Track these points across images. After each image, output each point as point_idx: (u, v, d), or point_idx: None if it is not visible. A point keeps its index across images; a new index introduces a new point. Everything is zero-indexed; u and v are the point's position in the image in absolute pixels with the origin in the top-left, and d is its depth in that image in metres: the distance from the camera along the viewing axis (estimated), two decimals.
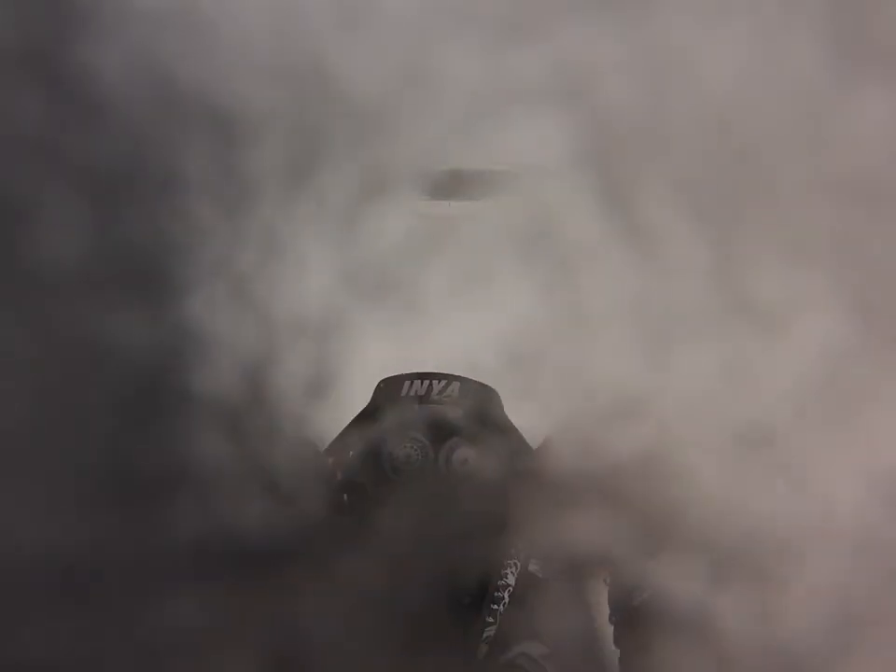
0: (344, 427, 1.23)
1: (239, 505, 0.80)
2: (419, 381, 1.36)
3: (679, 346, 0.74)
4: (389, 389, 1.35)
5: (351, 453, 1.28)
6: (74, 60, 0.76)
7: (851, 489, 0.66)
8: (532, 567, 1.13)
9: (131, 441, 0.73)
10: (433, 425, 1.30)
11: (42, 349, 0.70)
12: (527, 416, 1.21)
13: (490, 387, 1.36)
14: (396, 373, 1.42)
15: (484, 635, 1.03)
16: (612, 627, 0.87)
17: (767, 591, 0.67)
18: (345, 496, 1.18)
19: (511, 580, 1.09)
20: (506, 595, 1.07)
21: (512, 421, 1.25)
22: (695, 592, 0.69)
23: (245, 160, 0.93)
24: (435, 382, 1.36)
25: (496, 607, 1.07)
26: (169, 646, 0.68)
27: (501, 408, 1.37)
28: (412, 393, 1.36)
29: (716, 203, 0.76)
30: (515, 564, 1.14)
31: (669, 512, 0.72)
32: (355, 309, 1.06)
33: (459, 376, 1.36)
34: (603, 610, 0.90)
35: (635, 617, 0.81)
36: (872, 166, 0.76)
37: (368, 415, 1.28)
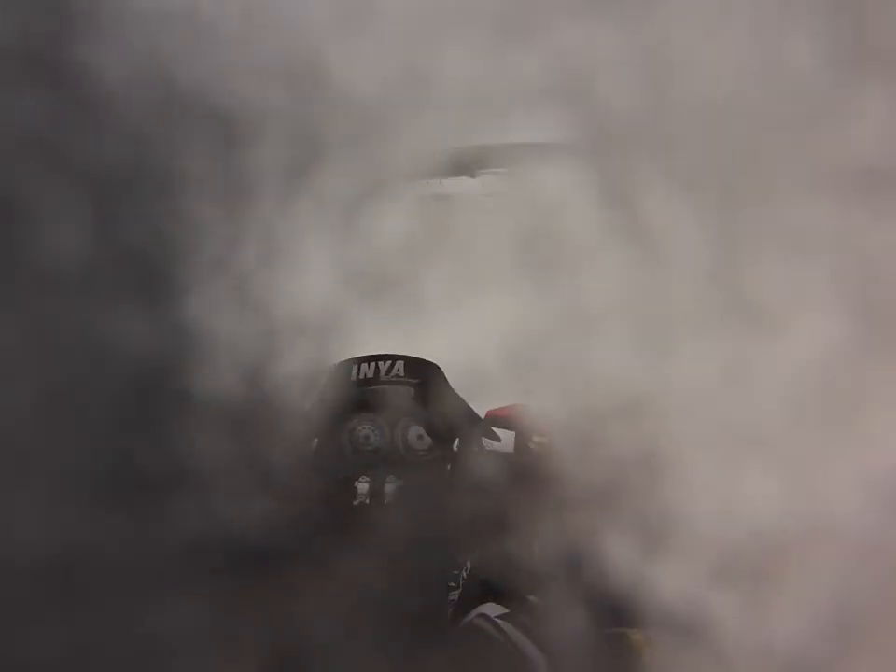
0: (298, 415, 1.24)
1: (239, 505, 0.80)
2: (366, 363, 1.39)
3: (678, 345, 0.74)
4: (339, 374, 1.36)
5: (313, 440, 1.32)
6: (74, 60, 0.76)
7: (851, 489, 0.66)
8: None
9: (130, 441, 0.73)
10: (385, 405, 1.33)
11: (41, 349, 0.70)
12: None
13: (434, 363, 1.40)
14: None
15: (449, 598, 1.05)
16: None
17: (767, 591, 0.67)
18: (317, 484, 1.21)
19: None
20: (468, 561, 1.08)
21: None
22: (694, 592, 0.69)
23: (244, 159, 0.93)
24: (381, 363, 1.39)
25: (457, 572, 1.08)
26: (169, 646, 0.68)
27: (447, 382, 1.40)
28: (361, 376, 1.38)
29: (716, 202, 0.76)
30: None
31: (668, 512, 0.72)
32: (354, 308, 1.06)
33: (403, 356, 1.39)
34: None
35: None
36: (872, 165, 0.76)
37: (320, 402, 1.30)
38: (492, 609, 0.95)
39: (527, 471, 1.08)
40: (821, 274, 0.72)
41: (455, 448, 1.31)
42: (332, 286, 1.00)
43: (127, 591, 0.67)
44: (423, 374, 1.41)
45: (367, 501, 1.26)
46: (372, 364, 1.38)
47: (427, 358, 1.41)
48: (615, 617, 0.85)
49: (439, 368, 1.41)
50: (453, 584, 1.08)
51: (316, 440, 1.30)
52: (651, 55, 0.81)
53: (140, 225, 0.83)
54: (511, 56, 0.92)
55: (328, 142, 0.99)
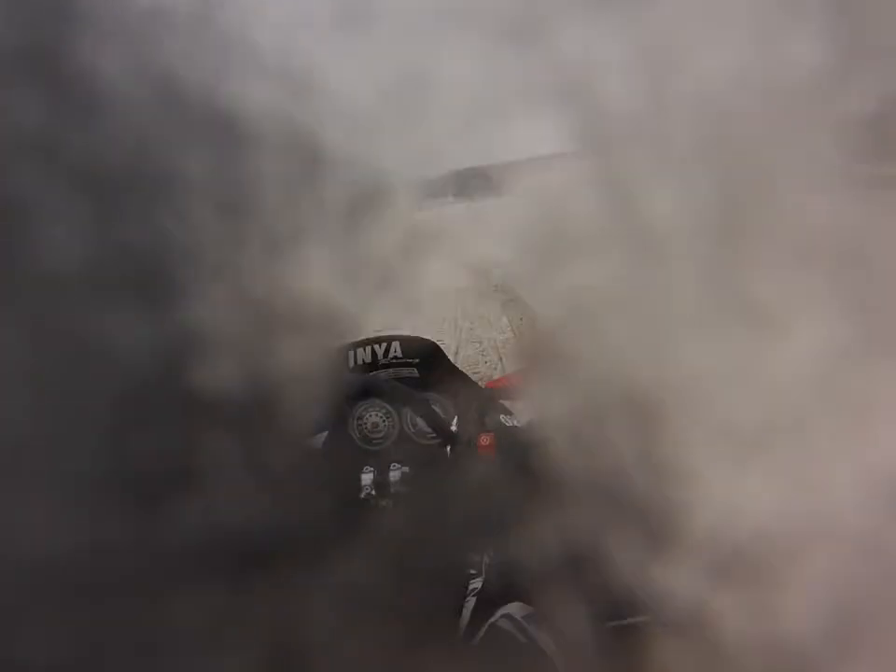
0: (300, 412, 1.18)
1: (239, 505, 0.80)
2: (361, 348, 1.31)
3: (679, 345, 0.74)
4: (335, 362, 1.25)
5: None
6: (74, 60, 0.76)
7: (852, 490, 0.66)
8: None
9: (131, 442, 0.73)
10: (389, 391, 1.24)
11: (42, 349, 0.70)
12: (527, 414, 1.19)
13: (431, 341, 1.34)
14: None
15: (471, 587, 0.97)
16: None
17: (767, 591, 0.67)
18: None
19: None
20: (490, 546, 1.00)
21: (513, 418, 1.23)
22: (695, 591, 0.69)
23: (245, 160, 0.94)
24: (377, 346, 1.31)
25: (479, 558, 1.00)
26: (169, 646, 0.68)
27: (447, 359, 1.34)
28: (359, 361, 1.31)
29: (716, 202, 0.76)
30: None
31: (669, 512, 0.72)
32: (355, 308, 1.05)
33: (398, 335, 1.32)
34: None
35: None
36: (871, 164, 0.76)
37: (324, 393, 1.22)
38: (517, 608, 0.89)
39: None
40: (821, 275, 0.72)
41: (459, 430, 1.20)
42: (333, 285, 0.99)
43: (128, 591, 0.67)
44: (422, 353, 1.32)
45: (372, 493, 1.16)
46: (368, 348, 1.30)
47: (423, 336, 1.34)
48: (618, 610, 0.82)
49: (437, 345, 1.33)
50: (474, 571, 0.99)
51: (325, 433, 1.24)
52: (650, 55, 0.81)
53: (142, 226, 0.83)
54: (511, 58, 0.92)
55: (326, 143, 0.99)
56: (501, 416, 1.18)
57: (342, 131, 0.99)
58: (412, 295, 1.12)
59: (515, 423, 1.17)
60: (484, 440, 1.12)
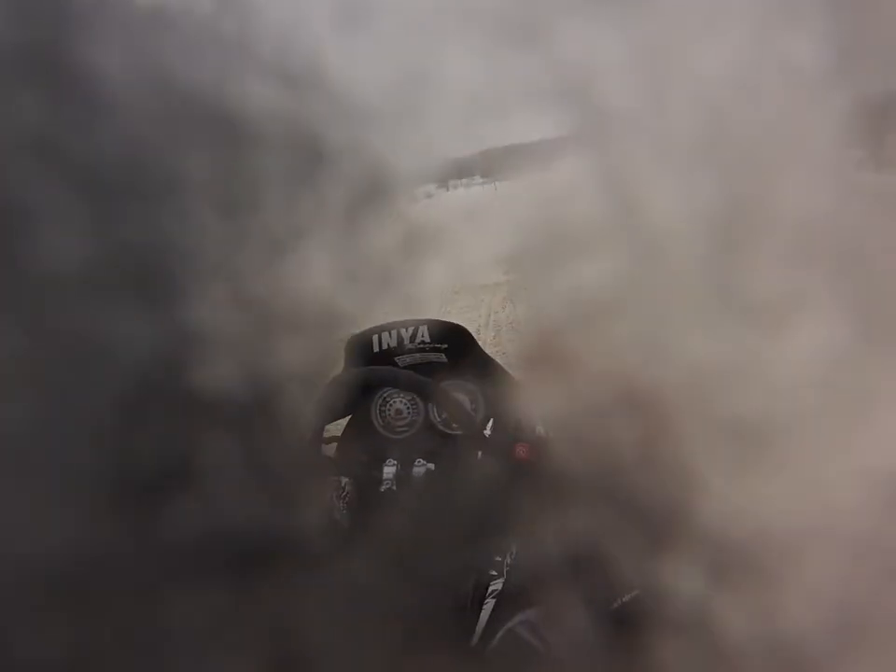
0: (322, 396, 1.10)
1: (239, 505, 0.80)
2: (387, 333, 1.25)
3: (679, 344, 0.74)
4: (359, 348, 1.23)
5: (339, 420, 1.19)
6: (74, 59, 0.76)
7: (852, 489, 0.66)
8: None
9: (130, 442, 0.73)
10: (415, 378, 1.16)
11: (41, 350, 0.70)
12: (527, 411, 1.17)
13: (460, 325, 1.27)
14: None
15: (491, 588, 0.92)
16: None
17: (767, 591, 0.67)
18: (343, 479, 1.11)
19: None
20: (514, 547, 0.95)
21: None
22: (695, 591, 0.69)
23: (246, 159, 0.94)
24: (403, 330, 1.26)
25: (500, 558, 0.94)
26: (169, 646, 0.68)
27: (477, 344, 1.27)
28: (383, 346, 1.26)
29: (716, 201, 0.76)
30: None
31: (668, 511, 0.72)
32: (355, 306, 1.05)
33: (424, 319, 1.26)
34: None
35: (616, 619, 0.77)
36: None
37: (344, 380, 1.15)
38: (537, 614, 0.85)
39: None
40: (821, 275, 0.72)
41: (493, 434, 1.13)
42: (333, 284, 0.99)
43: (128, 591, 0.67)
44: (451, 338, 1.25)
45: (393, 487, 1.10)
46: (394, 332, 1.24)
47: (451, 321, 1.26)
48: (620, 609, 0.79)
49: (466, 330, 1.27)
50: (495, 573, 0.93)
51: (347, 420, 1.18)
52: (650, 55, 0.81)
53: (142, 226, 0.83)
54: (512, 56, 0.92)
55: (327, 142, 0.99)
56: (536, 425, 1.10)
57: (342, 129, 0.99)
58: (413, 294, 1.12)
59: (546, 432, 1.09)
60: (521, 451, 1.06)
